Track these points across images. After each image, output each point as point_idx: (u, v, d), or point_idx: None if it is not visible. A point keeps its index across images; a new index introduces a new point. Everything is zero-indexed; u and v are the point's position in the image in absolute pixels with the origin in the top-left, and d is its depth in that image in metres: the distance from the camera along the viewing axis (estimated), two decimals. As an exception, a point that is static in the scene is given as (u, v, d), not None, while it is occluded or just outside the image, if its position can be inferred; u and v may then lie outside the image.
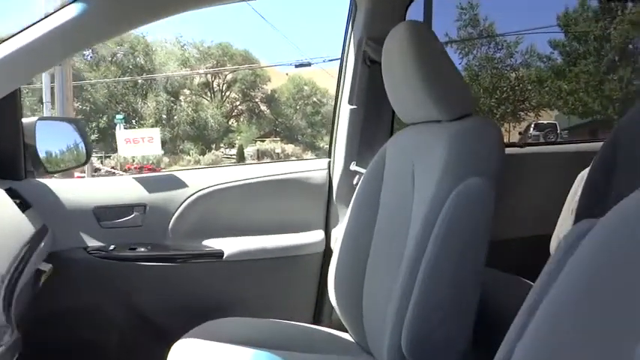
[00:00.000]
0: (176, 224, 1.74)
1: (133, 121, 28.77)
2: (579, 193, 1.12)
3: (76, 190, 1.69)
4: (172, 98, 30.28)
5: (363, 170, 1.67)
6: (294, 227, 1.82)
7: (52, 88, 8.77)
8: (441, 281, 1.08)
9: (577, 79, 14.36)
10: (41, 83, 9.70)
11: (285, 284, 1.81)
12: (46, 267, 1.50)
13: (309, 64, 26.01)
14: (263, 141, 32.11)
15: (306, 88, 33.00)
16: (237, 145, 30.31)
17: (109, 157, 23.39)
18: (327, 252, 1.81)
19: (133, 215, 1.72)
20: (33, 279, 1.44)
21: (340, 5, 1.87)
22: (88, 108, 27.39)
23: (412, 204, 1.24)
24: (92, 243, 1.67)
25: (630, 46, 13.73)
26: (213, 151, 29.95)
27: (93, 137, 26.79)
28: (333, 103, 1.95)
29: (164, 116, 30.13)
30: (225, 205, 1.79)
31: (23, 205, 1.56)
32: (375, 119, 1.76)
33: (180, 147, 29.54)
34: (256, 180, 1.80)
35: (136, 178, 1.76)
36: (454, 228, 1.07)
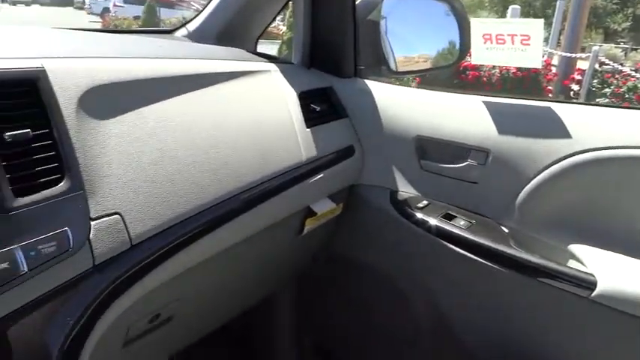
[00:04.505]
0: (530, 199, 0.97)
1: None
2: None
3: (402, 104, 1.14)
4: None
5: None
6: None
7: None
8: None
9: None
10: None
11: None
12: (325, 207, 1.08)
13: None
14: None
15: None
16: None
17: (637, 49, 20.29)
18: None
19: (466, 163, 1.05)
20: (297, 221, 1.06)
21: None
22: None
23: None
24: (403, 187, 1.12)
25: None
26: None
27: (624, 25, 23.81)
28: None
29: None
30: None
31: (336, 114, 1.15)
32: None
33: None
34: None
35: (488, 104, 1.04)
36: None
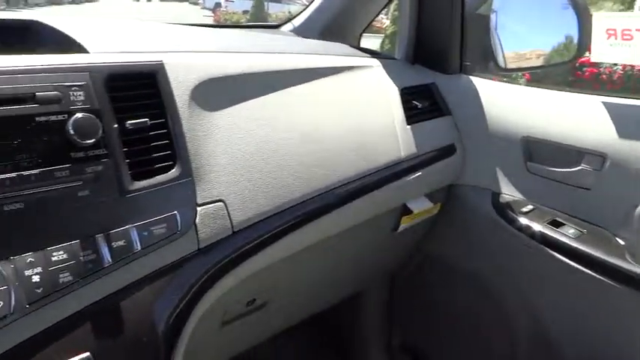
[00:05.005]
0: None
1: None
2: None
3: (509, 102, 1.08)
4: None
5: None
6: None
7: None
8: None
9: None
10: None
11: None
12: (421, 205, 1.06)
13: None
14: None
15: None
16: None
17: None
18: None
19: (579, 167, 0.97)
20: (393, 218, 1.05)
21: None
22: None
23: None
24: (507, 190, 1.07)
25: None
26: None
27: None
28: None
29: None
30: None
31: (438, 111, 1.12)
32: None
33: None
34: None
35: (607, 104, 0.95)
36: None
